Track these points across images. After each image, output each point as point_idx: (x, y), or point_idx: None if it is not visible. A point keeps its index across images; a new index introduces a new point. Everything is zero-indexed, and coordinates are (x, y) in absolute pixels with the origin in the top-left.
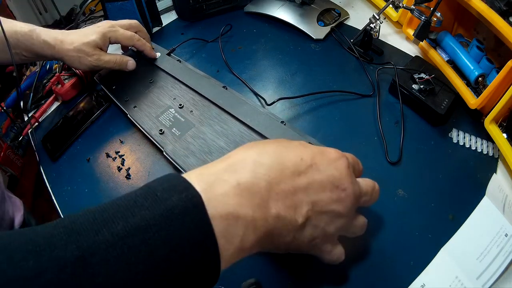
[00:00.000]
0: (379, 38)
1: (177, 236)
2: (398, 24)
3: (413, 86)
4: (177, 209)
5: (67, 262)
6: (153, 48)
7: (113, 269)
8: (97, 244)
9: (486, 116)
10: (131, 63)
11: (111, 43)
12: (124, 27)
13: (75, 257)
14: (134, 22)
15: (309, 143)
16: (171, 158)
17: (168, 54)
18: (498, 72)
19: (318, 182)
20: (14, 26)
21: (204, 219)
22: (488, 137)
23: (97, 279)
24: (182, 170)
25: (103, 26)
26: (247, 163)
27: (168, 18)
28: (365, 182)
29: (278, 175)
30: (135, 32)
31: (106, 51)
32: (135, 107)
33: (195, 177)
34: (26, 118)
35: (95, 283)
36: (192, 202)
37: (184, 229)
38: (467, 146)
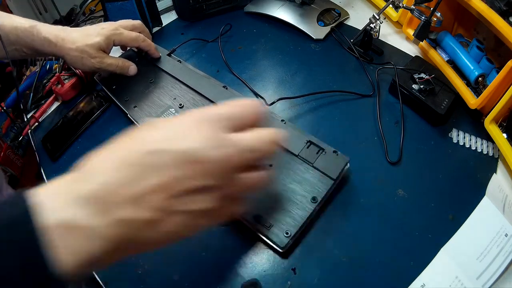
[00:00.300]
0: (379, 38)
1: (4, 251)
2: (398, 24)
3: (413, 86)
4: (5, 222)
5: None
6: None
7: None
8: None
9: (486, 116)
10: (132, 68)
11: (115, 45)
12: (127, 28)
13: None
14: (137, 22)
15: (309, 140)
16: None
17: (169, 55)
18: (498, 72)
19: (162, 165)
20: (14, 22)
21: (33, 231)
22: (488, 137)
23: None
24: None
25: (107, 28)
26: (89, 171)
27: (168, 18)
28: (254, 135)
29: (116, 177)
30: (139, 33)
31: (109, 54)
32: (135, 107)
33: (41, 190)
34: (26, 118)
35: None
36: (23, 214)
37: (12, 243)
38: (467, 146)
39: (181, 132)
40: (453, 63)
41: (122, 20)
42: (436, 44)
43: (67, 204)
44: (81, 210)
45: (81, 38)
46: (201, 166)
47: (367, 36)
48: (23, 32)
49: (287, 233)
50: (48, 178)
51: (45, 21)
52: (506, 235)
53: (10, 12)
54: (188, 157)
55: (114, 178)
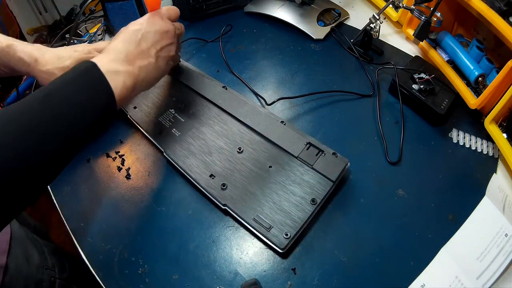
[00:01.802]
0: (379, 38)
1: (86, 84)
2: (398, 24)
3: (413, 86)
4: (84, 71)
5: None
6: None
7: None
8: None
9: (486, 116)
10: None
11: None
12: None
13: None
14: None
15: (309, 142)
16: (171, 159)
17: None
18: (498, 72)
19: (149, 37)
20: None
21: (99, 73)
22: (488, 137)
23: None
24: (182, 171)
25: (80, 51)
26: (113, 48)
27: None
28: (176, 25)
29: (130, 48)
30: None
31: None
32: (135, 107)
33: (94, 59)
34: None
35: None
36: (93, 67)
37: (89, 79)
38: (467, 146)
39: (156, 25)
40: (453, 63)
41: (99, 43)
42: (436, 44)
43: (110, 60)
44: (118, 64)
45: (53, 61)
46: (166, 34)
47: (367, 36)
48: (0, 52)
49: (286, 235)
50: None
51: (45, 21)
52: (506, 235)
53: (11, 12)
54: (161, 32)
55: (129, 49)
